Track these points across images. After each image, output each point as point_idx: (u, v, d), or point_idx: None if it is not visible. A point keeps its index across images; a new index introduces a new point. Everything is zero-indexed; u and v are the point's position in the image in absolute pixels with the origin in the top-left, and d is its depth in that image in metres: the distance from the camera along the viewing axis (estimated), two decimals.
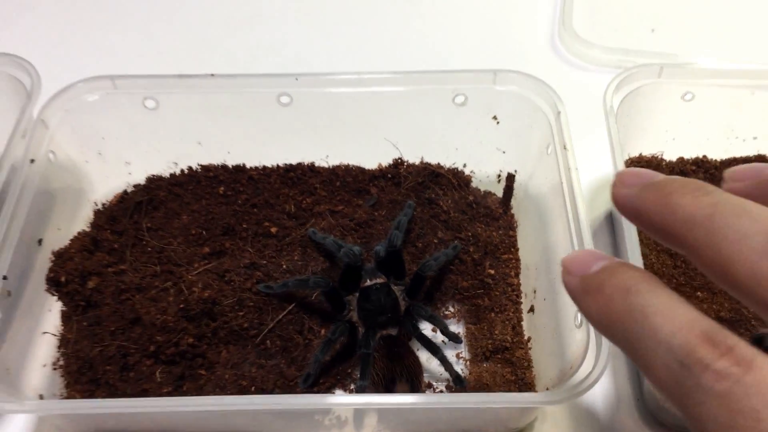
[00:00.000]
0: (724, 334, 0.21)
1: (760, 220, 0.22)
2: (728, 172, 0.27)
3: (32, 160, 0.57)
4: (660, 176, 0.25)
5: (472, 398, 0.47)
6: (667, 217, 0.24)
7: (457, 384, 0.56)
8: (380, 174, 0.68)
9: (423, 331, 0.57)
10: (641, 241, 0.61)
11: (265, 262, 0.61)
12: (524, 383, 0.56)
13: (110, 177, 0.67)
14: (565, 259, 0.26)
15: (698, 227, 0.23)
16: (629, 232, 0.54)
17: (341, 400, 0.51)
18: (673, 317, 0.22)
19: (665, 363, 0.21)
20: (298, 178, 0.67)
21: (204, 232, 0.63)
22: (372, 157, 0.68)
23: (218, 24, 0.86)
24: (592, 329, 0.48)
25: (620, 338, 0.23)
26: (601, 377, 0.44)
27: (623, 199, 0.26)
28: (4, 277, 0.51)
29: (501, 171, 0.68)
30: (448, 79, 0.62)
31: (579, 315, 0.50)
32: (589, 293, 0.25)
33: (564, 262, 0.26)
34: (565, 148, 0.56)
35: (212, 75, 0.62)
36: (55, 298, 0.58)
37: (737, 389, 0.20)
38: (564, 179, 0.55)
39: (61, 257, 0.59)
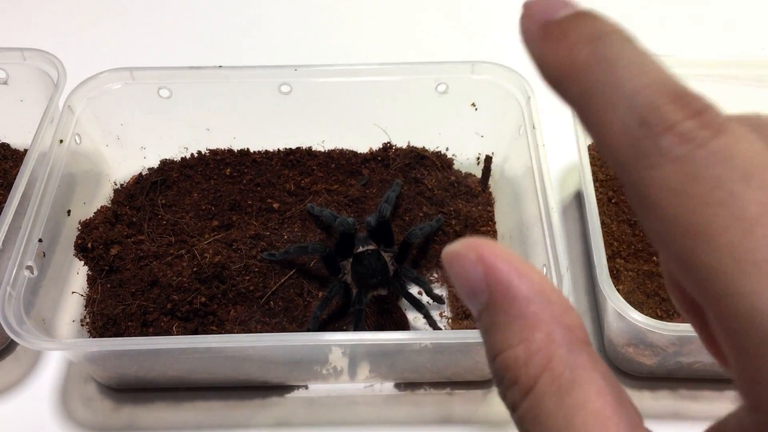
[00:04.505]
0: (697, 97, 0.18)
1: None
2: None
3: (61, 141, 0.64)
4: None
5: (450, 334, 0.54)
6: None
7: None
8: (371, 157, 0.74)
9: (409, 291, 0.65)
10: (603, 212, 0.68)
11: (268, 233, 0.68)
12: None
13: (127, 160, 0.73)
14: (527, 2, 0.21)
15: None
16: (590, 204, 0.61)
17: (337, 337, 0.57)
18: (643, 73, 0.18)
19: (623, 121, 0.18)
20: (297, 161, 0.74)
21: (213, 208, 0.70)
22: (364, 142, 0.75)
23: (226, 20, 0.94)
24: (555, 281, 0.55)
25: (576, 92, 0.20)
26: None
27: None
28: (40, 240, 0.58)
29: (480, 154, 0.75)
30: (431, 69, 0.69)
31: (545, 269, 0.57)
32: (549, 39, 0.20)
33: (525, 5, 0.21)
34: (534, 127, 0.64)
35: (220, 66, 0.69)
36: (82, 262, 0.65)
37: (700, 153, 0.17)
38: (533, 154, 0.62)
39: (87, 227, 0.65)
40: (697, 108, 0.18)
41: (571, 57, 0.20)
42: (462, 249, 0.21)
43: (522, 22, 0.21)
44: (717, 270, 0.17)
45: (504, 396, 0.21)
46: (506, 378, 0.20)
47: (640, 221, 0.19)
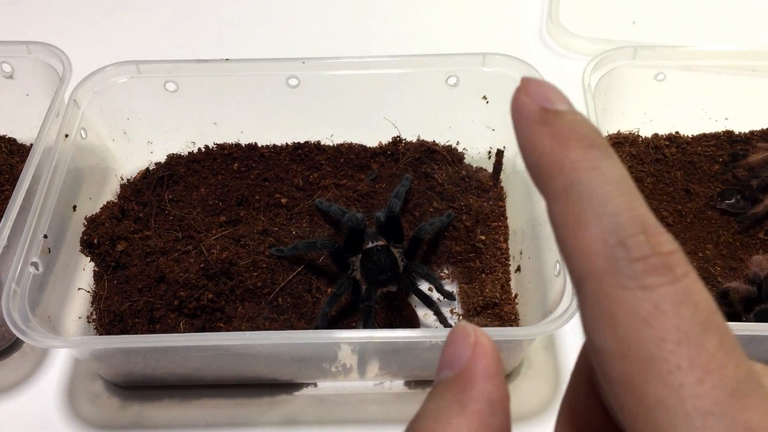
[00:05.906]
0: (671, 237, 0.19)
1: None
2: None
3: (66, 135, 0.63)
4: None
5: None
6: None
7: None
8: (380, 151, 0.73)
9: (419, 287, 0.63)
10: None
11: (276, 229, 0.67)
12: None
13: (134, 155, 0.73)
14: (526, 78, 0.22)
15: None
16: None
17: (346, 334, 0.56)
18: (630, 196, 0.19)
19: (604, 234, 0.19)
20: (305, 155, 0.73)
21: (220, 203, 0.69)
22: (373, 136, 0.73)
23: (232, 12, 0.93)
24: (569, 277, 0.53)
25: (560, 187, 0.20)
26: (576, 313, 0.50)
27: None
28: (45, 236, 0.57)
29: (491, 148, 0.73)
30: (442, 61, 0.68)
31: (558, 265, 0.56)
32: (547, 125, 0.21)
33: (524, 82, 0.22)
34: None
35: (227, 59, 0.68)
36: (89, 258, 0.64)
37: (669, 290, 0.18)
38: None
39: (93, 222, 0.65)
40: (671, 248, 0.19)
41: (566, 152, 0.20)
42: (470, 329, 0.22)
43: (519, 97, 0.21)
44: (659, 404, 0.18)
45: None
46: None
47: (588, 330, 0.19)
